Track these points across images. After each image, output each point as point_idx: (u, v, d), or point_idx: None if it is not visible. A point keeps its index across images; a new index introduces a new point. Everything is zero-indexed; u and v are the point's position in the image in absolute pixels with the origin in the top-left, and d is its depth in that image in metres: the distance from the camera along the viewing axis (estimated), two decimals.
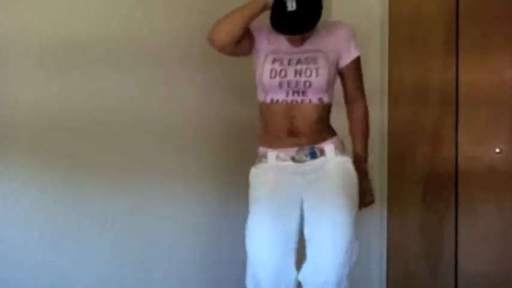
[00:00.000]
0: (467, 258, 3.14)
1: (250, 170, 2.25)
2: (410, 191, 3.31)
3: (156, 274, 2.46)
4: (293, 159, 2.16)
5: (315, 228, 2.12)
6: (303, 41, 2.16)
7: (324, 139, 2.17)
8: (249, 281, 2.21)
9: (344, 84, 2.26)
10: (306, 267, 2.14)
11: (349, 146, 2.29)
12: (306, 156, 2.15)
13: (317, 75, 2.11)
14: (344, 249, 2.09)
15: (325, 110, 2.19)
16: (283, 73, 2.12)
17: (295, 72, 2.11)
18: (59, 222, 2.09)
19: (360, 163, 2.24)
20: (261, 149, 2.22)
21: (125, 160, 2.32)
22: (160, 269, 2.48)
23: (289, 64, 2.13)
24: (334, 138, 2.20)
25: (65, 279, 2.11)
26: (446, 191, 3.19)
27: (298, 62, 2.13)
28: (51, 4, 2.05)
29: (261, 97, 2.21)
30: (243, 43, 2.15)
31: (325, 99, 2.16)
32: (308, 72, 2.11)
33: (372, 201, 2.31)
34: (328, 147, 2.17)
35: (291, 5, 1.98)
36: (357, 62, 2.23)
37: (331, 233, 2.09)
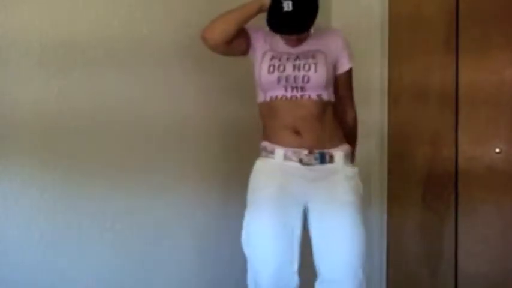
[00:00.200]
0: (467, 258, 3.14)
1: (255, 163, 2.22)
2: (410, 191, 3.31)
3: (156, 274, 2.46)
4: (301, 161, 2.13)
5: (329, 244, 2.11)
6: (299, 42, 2.17)
7: (334, 145, 2.16)
8: (250, 281, 2.20)
9: (336, 91, 2.26)
10: (320, 283, 2.13)
11: None
12: (316, 159, 2.12)
13: (315, 70, 2.11)
14: (363, 268, 2.10)
15: (326, 107, 2.18)
16: (281, 68, 2.12)
17: (294, 66, 2.11)
18: (59, 222, 2.09)
19: None
20: (268, 144, 2.19)
21: (125, 160, 2.32)
22: (160, 269, 2.48)
23: (287, 60, 2.13)
24: (344, 146, 2.19)
25: (65, 279, 2.11)
26: (446, 191, 3.19)
27: (297, 57, 2.14)
28: (51, 4, 2.05)
29: (260, 97, 2.21)
30: (236, 43, 2.15)
31: (325, 96, 2.16)
32: (306, 67, 2.11)
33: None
34: (338, 154, 2.15)
35: (287, 6, 1.99)
36: (348, 73, 2.26)
37: (352, 251, 2.09)
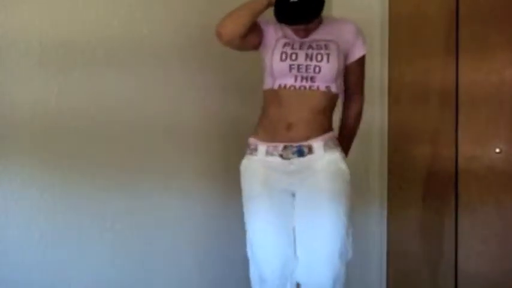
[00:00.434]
0: (467, 258, 3.13)
1: (241, 162, 2.24)
2: (410, 191, 3.30)
3: (156, 274, 2.46)
4: (281, 156, 2.13)
5: (306, 230, 2.12)
6: (307, 33, 2.17)
7: (315, 136, 2.14)
8: (253, 278, 2.20)
9: (346, 79, 2.26)
10: (299, 268, 2.14)
11: None
12: (293, 153, 2.13)
13: (328, 61, 2.12)
14: (337, 251, 2.09)
15: (332, 100, 2.18)
16: (294, 56, 2.12)
17: (306, 56, 2.12)
18: (59, 222, 2.09)
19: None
20: (252, 141, 2.20)
21: (125, 160, 2.32)
22: (160, 269, 2.48)
23: (300, 48, 2.14)
24: (325, 135, 2.16)
25: (65, 279, 2.11)
26: (446, 191, 3.19)
27: (310, 47, 2.14)
28: (51, 4, 2.05)
29: (268, 83, 2.19)
30: (249, 37, 2.14)
31: (333, 88, 2.16)
32: (319, 57, 2.12)
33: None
34: (317, 144, 2.13)
35: None
36: (362, 59, 2.26)
37: (326, 239, 2.09)
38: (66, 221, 2.11)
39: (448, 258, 3.18)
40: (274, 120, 2.16)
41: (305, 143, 2.13)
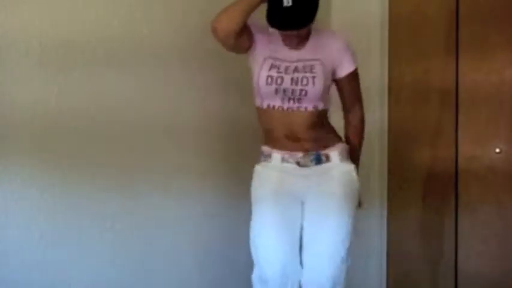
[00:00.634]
0: (467, 258, 3.13)
1: (254, 168, 2.24)
2: (410, 191, 3.30)
3: (156, 274, 2.46)
4: (298, 163, 2.16)
5: (314, 234, 2.15)
6: (298, 39, 2.16)
7: (329, 145, 2.19)
8: (255, 278, 2.20)
9: (340, 94, 2.27)
10: (305, 272, 2.16)
11: None
12: (312, 161, 2.16)
13: (313, 84, 2.12)
14: (342, 256, 2.13)
15: (321, 115, 2.20)
16: (279, 80, 2.12)
17: (292, 80, 2.12)
18: (59, 222, 2.09)
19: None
20: (266, 149, 2.23)
21: (125, 160, 2.32)
22: (160, 269, 2.48)
23: (286, 72, 2.13)
24: (339, 145, 2.22)
25: (65, 279, 2.11)
26: (446, 191, 3.19)
27: (295, 70, 2.13)
28: (51, 4, 2.05)
29: (257, 102, 2.21)
30: (244, 37, 2.14)
31: (320, 106, 2.17)
32: (304, 81, 2.12)
33: (359, 207, 2.31)
34: (333, 153, 2.18)
35: (287, 1, 2.00)
36: (352, 75, 2.23)
37: (330, 240, 2.12)
38: (66, 221, 2.11)
39: (448, 258, 3.18)
40: (275, 134, 2.18)
41: (323, 152, 2.17)
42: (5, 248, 1.94)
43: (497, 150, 3.06)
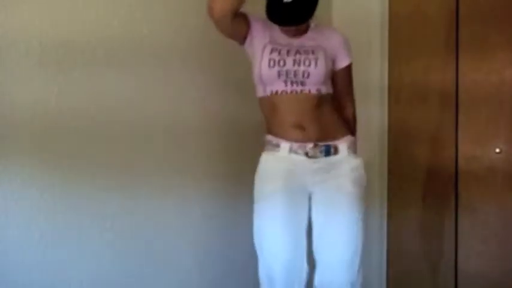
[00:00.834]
0: (467, 258, 3.13)
1: (261, 156, 2.23)
2: (410, 191, 3.30)
3: (156, 274, 2.46)
4: (307, 154, 2.15)
5: (324, 230, 2.15)
6: (297, 33, 2.18)
7: (338, 137, 2.19)
8: (262, 275, 2.20)
9: (334, 89, 2.27)
10: (318, 272, 2.17)
11: None
12: (321, 152, 2.15)
13: (316, 65, 2.12)
14: (353, 252, 2.14)
15: (326, 100, 2.19)
16: (281, 62, 2.12)
17: (294, 61, 2.12)
18: (59, 222, 2.09)
19: None
20: (273, 138, 2.20)
21: (125, 160, 2.32)
22: (161, 269, 2.48)
23: (287, 54, 2.14)
24: (347, 137, 2.22)
25: (65, 279, 2.11)
26: (446, 191, 3.19)
27: (297, 52, 2.14)
28: (51, 4, 2.05)
29: (260, 92, 2.20)
30: (240, 23, 2.14)
31: (323, 90, 2.17)
32: (307, 62, 2.12)
33: None
34: (342, 145, 2.18)
35: None
36: (348, 68, 2.28)
37: (345, 238, 2.13)
38: (66, 221, 2.11)
39: (448, 258, 3.18)
40: (282, 124, 2.17)
41: (331, 143, 2.16)
42: (5, 248, 1.94)
43: (497, 150, 3.06)
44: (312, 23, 2.23)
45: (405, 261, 3.32)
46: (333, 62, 2.22)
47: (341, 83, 2.28)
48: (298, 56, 2.13)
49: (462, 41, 3.16)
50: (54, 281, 2.07)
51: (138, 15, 2.37)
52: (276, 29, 2.19)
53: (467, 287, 3.14)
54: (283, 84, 2.13)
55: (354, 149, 2.23)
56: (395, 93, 3.35)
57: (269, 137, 2.22)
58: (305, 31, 2.21)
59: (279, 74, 2.12)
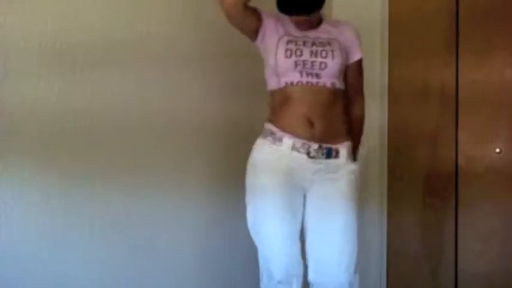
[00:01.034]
0: (467, 258, 3.13)
1: (258, 142, 2.21)
2: (410, 190, 3.30)
3: (156, 274, 2.46)
4: (308, 154, 2.13)
5: (319, 230, 2.16)
6: (309, 26, 2.18)
7: (341, 141, 2.19)
8: (262, 272, 2.19)
9: (346, 80, 2.27)
10: (314, 269, 2.17)
11: None
12: (323, 154, 2.15)
13: (333, 57, 2.13)
14: (350, 252, 2.15)
15: (339, 95, 2.20)
16: (298, 52, 2.12)
17: (311, 52, 2.12)
18: (59, 222, 2.08)
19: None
20: (276, 130, 2.16)
21: (125, 160, 2.32)
22: (161, 270, 2.48)
23: (304, 45, 2.14)
24: (348, 143, 2.22)
25: (65, 279, 2.11)
26: (446, 191, 3.19)
27: (313, 44, 2.15)
28: (51, 4, 2.05)
29: (273, 83, 2.19)
30: (250, 15, 2.14)
31: (338, 84, 2.17)
32: (324, 54, 2.13)
33: None
34: (342, 150, 2.18)
35: None
36: (359, 63, 2.29)
37: (341, 239, 2.14)
38: (66, 221, 2.11)
39: (448, 258, 3.18)
40: (292, 117, 2.15)
41: (334, 147, 2.16)
42: (5, 248, 1.94)
43: (497, 150, 3.06)
44: (323, 16, 2.23)
45: (405, 261, 3.32)
46: (346, 55, 2.22)
47: (352, 76, 2.28)
48: (314, 47, 2.13)
49: (462, 41, 3.16)
50: (54, 280, 2.07)
51: (138, 16, 2.37)
52: (288, 24, 2.19)
53: (467, 287, 3.14)
54: (298, 74, 2.12)
55: (351, 154, 2.23)
56: (396, 93, 3.35)
57: (273, 128, 2.18)
58: (318, 25, 2.21)
59: (296, 64, 2.11)
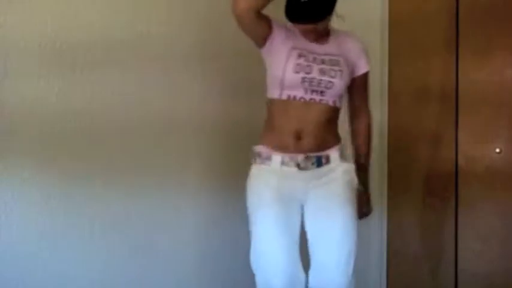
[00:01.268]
0: (467, 258, 3.13)
1: (250, 170, 2.21)
2: (410, 190, 3.30)
3: (156, 274, 2.46)
4: (298, 165, 2.13)
5: (318, 235, 2.16)
6: (317, 36, 2.17)
7: (330, 146, 2.18)
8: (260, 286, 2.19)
9: (350, 96, 2.29)
10: (313, 274, 2.17)
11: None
12: (313, 164, 2.14)
13: (341, 77, 2.14)
14: (348, 254, 2.14)
15: (336, 113, 2.21)
16: (308, 69, 2.11)
17: (320, 71, 2.12)
18: (59, 222, 2.09)
19: (363, 172, 2.30)
20: (264, 150, 2.17)
21: (125, 160, 2.32)
22: (160, 270, 2.48)
23: (314, 62, 2.14)
24: (339, 146, 2.21)
25: (65, 279, 2.11)
26: (446, 191, 3.19)
27: (323, 62, 2.15)
28: (51, 4, 2.05)
29: (274, 94, 2.17)
30: (261, 22, 2.12)
31: (338, 103, 2.19)
32: (333, 73, 2.13)
33: (370, 212, 2.36)
34: (333, 154, 2.17)
35: None
36: (366, 76, 2.29)
37: (339, 239, 2.13)
38: (66, 221, 2.11)
39: (448, 258, 3.18)
40: (282, 130, 2.15)
41: (323, 154, 2.15)
42: (5, 248, 1.94)
43: (497, 150, 3.06)
44: (332, 29, 2.23)
45: (405, 261, 3.32)
46: (352, 70, 2.23)
47: (358, 88, 2.28)
48: (323, 66, 2.13)
49: (462, 41, 3.16)
50: (53, 281, 2.07)
51: (138, 16, 2.37)
52: (297, 36, 2.18)
53: (467, 287, 3.14)
54: (303, 90, 2.12)
55: (344, 154, 2.22)
56: (396, 93, 3.34)
57: (260, 149, 2.19)
58: (326, 36, 2.20)
59: (303, 81, 2.11)
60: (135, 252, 2.37)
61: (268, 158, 2.16)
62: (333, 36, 2.23)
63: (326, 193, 2.16)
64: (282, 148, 2.15)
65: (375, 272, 3.34)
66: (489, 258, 3.07)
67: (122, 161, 2.31)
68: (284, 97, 2.14)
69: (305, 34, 2.17)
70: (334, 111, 2.19)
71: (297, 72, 2.11)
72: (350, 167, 2.23)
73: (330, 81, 2.12)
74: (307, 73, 2.11)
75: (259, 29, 2.14)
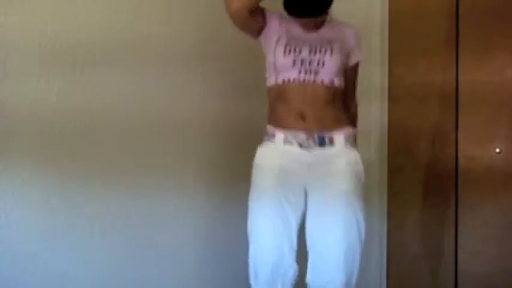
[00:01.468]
0: (467, 258, 3.14)
1: (257, 150, 2.20)
2: (410, 191, 3.30)
3: (155, 275, 2.46)
4: (300, 145, 2.12)
5: (319, 231, 2.12)
6: (315, 27, 2.20)
7: (335, 127, 2.15)
8: (251, 269, 2.18)
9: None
10: (312, 270, 2.13)
11: None
12: (315, 143, 2.12)
13: (331, 54, 2.13)
14: (354, 252, 2.11)
15: (337, 93, 2.18)
16: (297, 50, 2.12)
17: (310, 50, 2.13)
18: (59, 222, 2.09)
19: None
20: (269, 128, 2.19)
21: (125, 160, 2.32)
22: (160, 270, 2.48)
23: (303, 43, 2.15)
24: (346, 129, 2.18)
25: (65, 279, 2.11)
26: (446, 191, 3.19)
27: (314, 42, 2.16)
28: (51, 4, 2.05)
29: (271, 80, 2.19)
30: (255, 17, 2.15)
31: (336, 82, 2.17)
32: (323, 51, 2.13)
33: None
34: (338, 137, 2.14)
35: None
36: (357, 65, 2.31)
37: (340, 236, 2.08)
38: (66, 221, 2.11)
39: (448, 258, 3.18)
40: (286, 112, 2.15)
41: (327, 133, 2.13)
42: (5, 248, 1.94)
43: (497, 150, 3.06)
44: (328, 17, 2.25)
45: (405, 261, 3.32)
46: (347, 54, 2.23)
47: (348, 78, 2.28)
48: (314, 45, 2.14)
49: (462, 41, 3.16)
50: (54, 281, 2.07)
51: (138, 16, 2.37)
52: (292, 23, 2.20)
53: (467, 287, 3.14)
54: (296, 72, 2.13)
55: (352, 142, 2.19)
56: (396, 93, 3.35)
57: (267, 128, 2.21)
58: (321, 25, 2.23)
59: (294, 62, 2.12)
60: (135, 252, 2.37)
61: (273, 135, 2.17)
62: (328, 24, 2.25)
63: (330, 188, 2.11)
64: (285, 126, 2.14)
65: (375, 272, 3.34)
66: (489, 258, 3.08)
67: (122, 161, 2.30)
68: (280, 81, 2.16)
69: (303, 25, 2.20)
70: (333, 91, 2.16)
71: (287, 54, 2.12)
72: (356, 156, 2.17)
73: (320, 60, 2.12)
74: (298, 53, 2.12)
75: (254, 24, 2.17)
